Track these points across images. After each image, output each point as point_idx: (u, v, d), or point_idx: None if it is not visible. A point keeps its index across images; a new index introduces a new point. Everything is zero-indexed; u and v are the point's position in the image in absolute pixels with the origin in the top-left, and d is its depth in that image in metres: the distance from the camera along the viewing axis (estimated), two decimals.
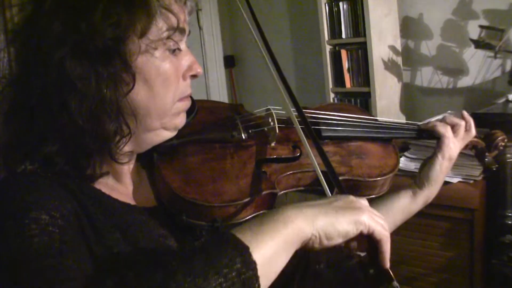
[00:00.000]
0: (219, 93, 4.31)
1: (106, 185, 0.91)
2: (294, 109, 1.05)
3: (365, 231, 0.80)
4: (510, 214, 2.17)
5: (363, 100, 3.31)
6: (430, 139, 1.30)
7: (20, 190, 0.78)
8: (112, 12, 0.81)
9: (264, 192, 0.99)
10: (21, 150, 0.87)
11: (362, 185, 1.10)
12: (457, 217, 2.28)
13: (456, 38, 3.08)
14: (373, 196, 1.13)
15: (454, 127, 1.26)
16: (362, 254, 0.86)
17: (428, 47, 3.22)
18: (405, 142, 2.35)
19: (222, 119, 1.13)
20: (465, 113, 1.28)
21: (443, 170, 1.27)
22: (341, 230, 0.78)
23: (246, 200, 0.96)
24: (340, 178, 1.01)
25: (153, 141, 0.95)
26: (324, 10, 3.30)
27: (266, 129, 1.12)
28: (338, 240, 0.79)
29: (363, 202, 0.85)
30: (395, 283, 0.81)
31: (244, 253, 0.69)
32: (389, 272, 0.83)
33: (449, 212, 2.30)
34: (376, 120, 1.27)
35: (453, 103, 3.11)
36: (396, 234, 2.54)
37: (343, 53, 3.29)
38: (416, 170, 2.33)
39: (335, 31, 3.31)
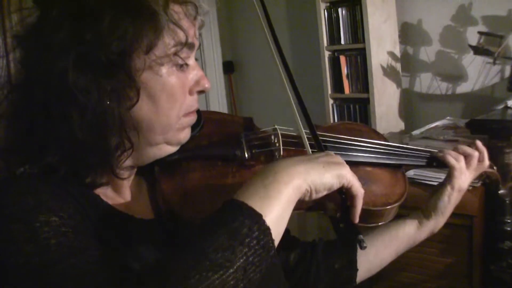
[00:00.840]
0: (218, 99, 4.31)
1: (105, 195, 0.90)
2: (304, 129, 1.03)
3: (346, 185, 0.87)
4: (509, 221, 2.17)
5: (362, 106, 3.31)
6: (440, 168, 1.24)
7: (21, 193, 0.77)
8: (118, 25, 0.80)
9: None
10: (22, 155, 0.86)
11: (366, 213, 1.04)
12: (456, 223, 2.28)
13: (455, 44, 3.08)
14: (377, 224, 1.09)
15: (466, 158, 1.21)
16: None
17: (427, 53, 3.22)
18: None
19: (228, 135, 1.10)
20: (479, 143, 1.23)
21: (451, 202, 1.24)
22: (327, 183, 0.84)
23: None
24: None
25: (155, 156, 0.93)
26: (323, 16, 3.30)
27: (270, 149, 1.09)
28: (324, 193, 0.85)
29: (340, 158, 0.91)
30: (361, 236, 0.86)
31: (259, 220, 0.73)
32: (357, 227, 0.90)
33: (448, 219, 2.29)
34: (388, 144, 1.22)
35: (452, 109, 3.11)
36: None
37: (342, 59, 3.30)
38: (415, 177, 2.35)
39: (334, 37, 3.31)
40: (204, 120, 1.04)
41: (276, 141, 1.09)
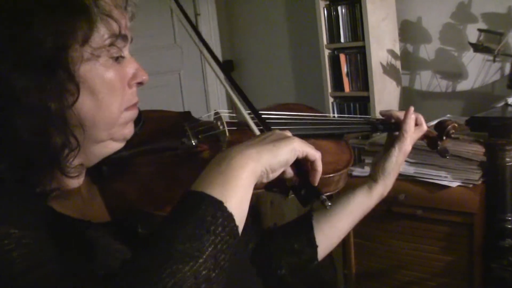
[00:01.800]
0: (218, 98, 4.31)
1: (57, 203, 0.88)
2: (247, 111, 1.06)
3: (300, 155, 0.89)
4: (509, 218, 2.17)
5: (362, 104, 3.31)
6: (387, 132, 1.34)
7: None
8: (51, 21, 0.79)
9: None
10: None
11: (319, 183, 1.10)
12: (456, 221, 2.28)
13: (455, 41, 3.07)
14: (330, 193, 1.13)
15: (403, 121, 1.29)
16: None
17: (427, 51, 3.22)
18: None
19: (171, 127, 1.11)
20: (411, 108, 1.30)
21: (398, 163, 1.29)
22: (282, 160, 0.86)
23: None
24: None
25: (102, 153, 0.92)
26: (323, 14, 3.30)
27: (216, 133, 1.11)
28: (280, 170, 0.87)
29: (288, 132, 0.93)
30: (323, 196, 0.88)
31: (221, 207, 0.74)
32: (319, 189, 0.92)
33: (449, 216, 2.30)
34: (326, 116, 1.32)
35: (452, 107, 3.11)
36: (395, 238, 2.55)
37: (342, 57, 3.30)
38: (416, 174, 2.35)
39: (333, 35, 3.31)
40: (144, 117, 1.03)
41: (220, 124, 1.11)
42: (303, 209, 1.05)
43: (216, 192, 0.76)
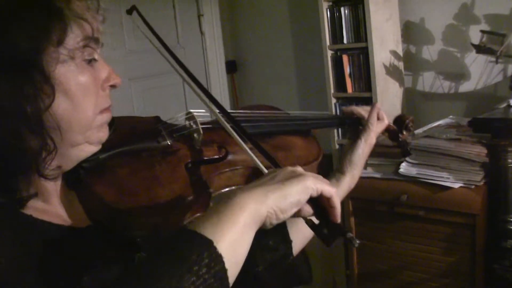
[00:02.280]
0: (221, 98, 4.31)
1: (36, 209, 0.88)
2: (218, 111, 1.08)
3: (314, 194, 0.84)
4: (511, 219, 2.17)
5: (364, 105, 3.30)
6: (352, 126, 1.43)
7: None
8: (25, 24, 0.80)
9: (198, 193, 1.00)
10: None
11: None
12: (458, 222, 2.28)
13: (458, 43, 3.08)
14: None
15: (369, 115, 1.39)
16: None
17: (429, 52, 3.22)
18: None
19: (144, 129, 1.13)
20: (377, 104, 1.41)
21: (364, 154, 1.38)
22: (293, 200, 0.82)
23: (182, 202, 0.97)
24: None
25: (78, 157, 0.92)
26: (326, 15, 3.30)
27: (190, 131, 1.13)
28: (293, 210, 0.83)
29: (300, 168, 0.89)
30: (349, 234, 0.84)
31: (209, 247, 0.71)
32: (342, 226, 0.87)
33: (451, 217, 2.30)
34: (293, 114, 1.38)
35: (454, 108, 3.11)
36: (398, 239, 2.55)
37: (345, 58, 3.30)
38: (418, 176, 2.36)
39: (336, 36, 3.31)
40: (116, 122, 1.04)
41: (193, 123, 1.14)
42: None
43: (207, 231, 0.73)
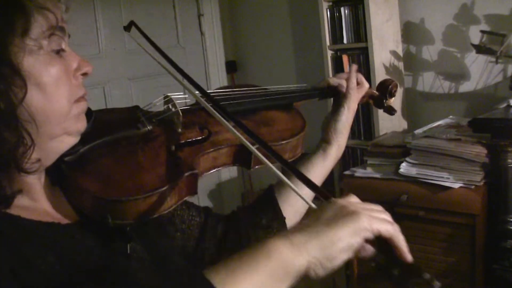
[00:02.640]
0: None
1: (22, 208, 0.86)
2: (197, 92, 1.08)
3: (370, 236, 0.72)
4: (511, 220, 2.17)
5: (364, 105, 3.30)
6: (333, 96, 1.39)
7: None
8: None
9: (184, 175, 0.99)
10: None
11: (278, 150, 1.12)
12: (458, 222, 2.28)
13: (458, 43, 3.08)
14: (294, 158, 1.18)
15: (347, 81, 1.36)
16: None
17: (429, 52, 3.22)
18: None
19: (123, 118, 1.12)
20: (353, 66, 1.39)
21: (348, 121, 1.33)
22: (343, 246, 0.70)
23: (168, 186, 0.96)
24: (255, 147, 1.00)
25: (58, 149, 0.91)
26: (326, 15, 3.30)
27: (169, 114, 1.13)
28: (343, 257, 0.71)
29: (353, 199, 0.78)
30: (427, 275, 0.71)
31: None
32: (415, 265, 0.74)
33: (451, 218, 2.30)
34: (267, 89, 1.38)
35: (454, 108, 3.11)
36: None
37: (345, 58, 3.30)
38: (418, 176, 2.35)
39: (336, 36, 3.31)
40: (95, 115, 1.03)
41: (172, 106, 1.13)
42: None
43: (218, 276, 0.64)
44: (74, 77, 0.91)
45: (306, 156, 1.32)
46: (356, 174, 2.66)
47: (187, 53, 4.09)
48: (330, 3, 3.30)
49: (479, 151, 2.29)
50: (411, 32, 3.29)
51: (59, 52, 0.88)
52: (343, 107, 1.33)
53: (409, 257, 0.74)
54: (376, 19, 3.10)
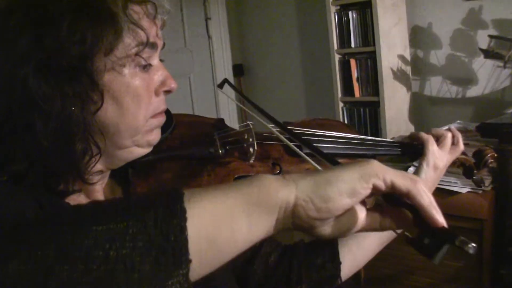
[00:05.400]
0: (228, 102, 4.32)
1: (76, 202, 0.86)
2: (275, 127, 1.02)
3: (381, 185, 0.64)
4: None
5: (372, 110, 3.31)
6: (415, 154, 1.28)
7: None
8: (77, 29, 0.77)
9: None
10: None
11: None
12: (466, 227, 2.27)
13: (465, 47, 3.07)
14: None
15: (439, 138, 1.25)
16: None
17: (437, 57, 3.22)
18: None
19: (200, 135, 1.10)
20: (453, 127, 1.27)
21: (428, 180, 1.22)
22: (344, 188, 0.62)
23: None
24: None
25: (126, 158, 0.91)
26: (334, 19, 3.31)
27: (244, 145, 1.09)
28: (344, 202, 0.63)
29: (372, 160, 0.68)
30: (460, 237, 0.63)
31: (174, 201, 0.57)
32: (448, 229, 0.65)
33: (458, 222, 2.29)
34: (360, 137, 1.25)
35: (462, 113, 3.11)
36: (404, 243, 2.54)
37: (352, 62, 3.30)
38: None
39: (344, 40, 3.31)
40: (175, 122, 1.03)
41: (249, 137, 1.09)
42: None
43: (192, 191, 0.60)
44: (156, 93, 0.90)
45: None
46: None
47: (194, 56, 4.10)
48: (338, 7, 3.31)
49: None
50: (419, 37, 3.29)
51: (145, 67, 0.87)
52: (422, 165, 1.24)
53: (439, 220, 0.66)
54: (384, 23, 3.10)
